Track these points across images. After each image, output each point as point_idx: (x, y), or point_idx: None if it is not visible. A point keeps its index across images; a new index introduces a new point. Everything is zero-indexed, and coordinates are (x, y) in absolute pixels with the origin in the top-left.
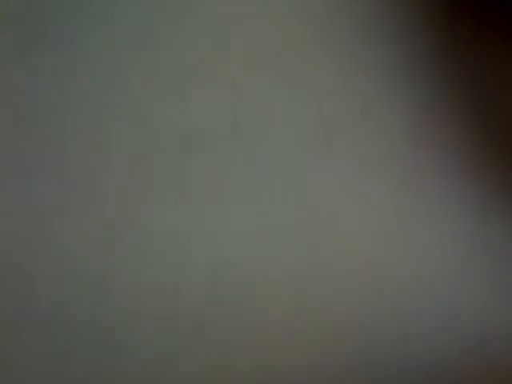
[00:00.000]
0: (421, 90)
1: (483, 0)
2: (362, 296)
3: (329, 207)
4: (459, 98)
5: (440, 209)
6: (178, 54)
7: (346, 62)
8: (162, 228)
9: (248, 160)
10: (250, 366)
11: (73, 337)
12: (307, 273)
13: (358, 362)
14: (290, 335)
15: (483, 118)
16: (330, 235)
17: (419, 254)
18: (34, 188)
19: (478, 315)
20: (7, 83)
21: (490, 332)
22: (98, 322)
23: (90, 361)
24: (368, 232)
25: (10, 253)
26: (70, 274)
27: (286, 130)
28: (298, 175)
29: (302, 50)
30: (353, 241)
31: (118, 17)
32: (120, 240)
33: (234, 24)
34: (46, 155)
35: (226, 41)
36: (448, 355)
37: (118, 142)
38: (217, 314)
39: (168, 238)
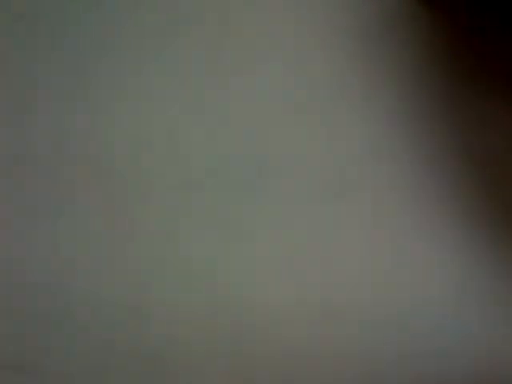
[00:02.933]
0: (424, 139)
1: (483, 36)
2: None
3: (341, 247)
4: (461, 147)
5: (448, 255)
6: (211, 92)
7: (355, 102)
8: (189, 260)
9: (273, 199)
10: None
11: (112, 365)
12: (320, 309)
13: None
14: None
15: (484, 167)
16: (340, 272)
17: (423, 297)
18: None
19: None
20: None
21: (491, 355)
22: (138, 351)
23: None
24: (374, 271)
25: (49, 283)
26: (109, 303)
27: (307, 173)
28: (316, 215)
29: (313, 90)
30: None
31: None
32: (157, 269)
33: (246, 66)
34: (84, 186)
35: (239, 82)
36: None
37: (154, 176)
38: (244, 340)
39: (196, 270)
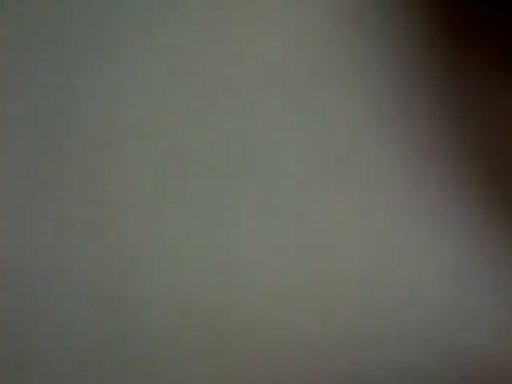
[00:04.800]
0: (425, 118)
1: (482, 28)
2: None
3: (336, 230)
4: (461, 125)
5: (443, 233)
6: (196, 79)
7: (355, 90)
8: (176, 244)
9: (259, 182)
10: (259, 373)
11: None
12: (311, 289)
13: (354, 374)
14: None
15: (485, 148)
16: (336, 255)
17: (421, 272)
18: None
19: (479, 336)
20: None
21: (490, 355)
22: (127, 347)
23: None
24: (372, 250)
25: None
26: (94, 296)
27: (297, 154)
28: (307, 198)
29: (313, 78)
30: (357, 258)
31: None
32: (136, 253)
33: (246, 54)
34: (68, 167)
35: (238, 70)
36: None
37: (137, 157)
38: (228, 323)
39: (183, 254)
